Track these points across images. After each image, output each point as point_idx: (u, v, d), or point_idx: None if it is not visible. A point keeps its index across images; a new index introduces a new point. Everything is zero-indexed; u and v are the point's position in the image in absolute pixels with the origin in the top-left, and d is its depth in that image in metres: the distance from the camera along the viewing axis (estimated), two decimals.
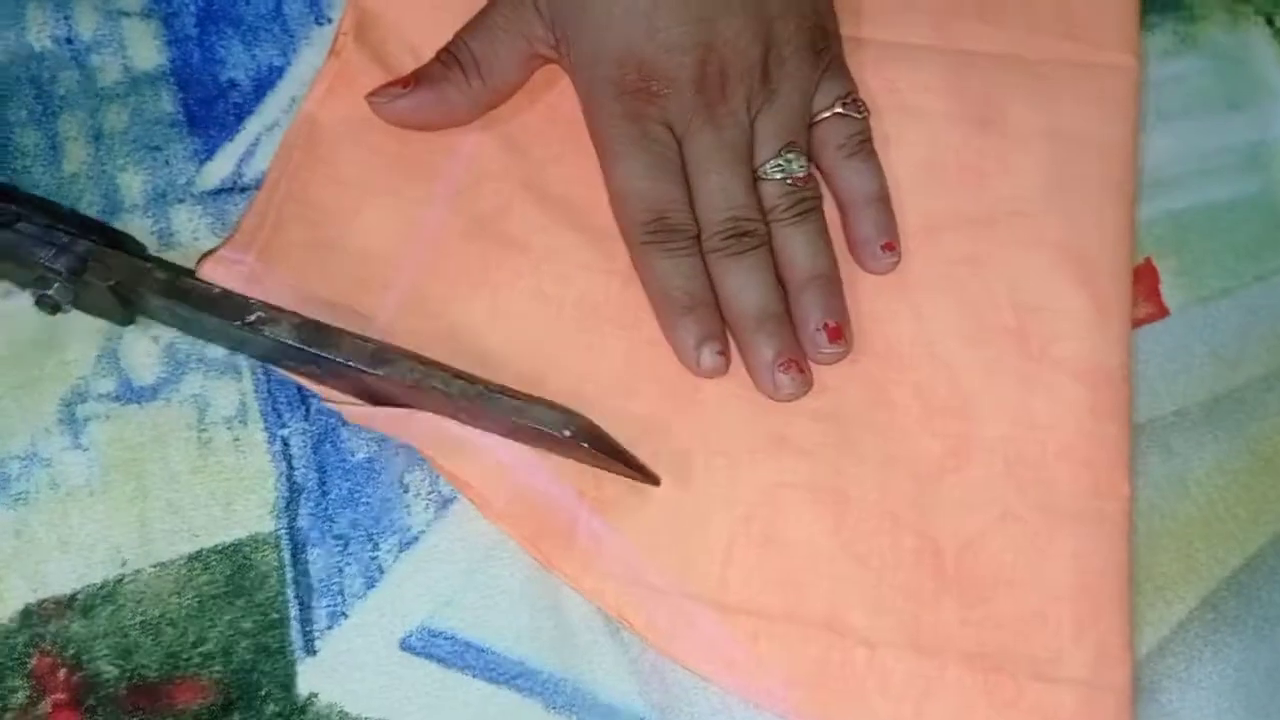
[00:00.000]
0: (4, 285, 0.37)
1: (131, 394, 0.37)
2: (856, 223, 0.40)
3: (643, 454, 0.37)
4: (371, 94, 0.39)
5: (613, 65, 0.38)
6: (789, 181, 0.39)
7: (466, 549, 0.36)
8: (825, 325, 0.38)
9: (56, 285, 0.34)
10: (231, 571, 0.35)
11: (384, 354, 0.35)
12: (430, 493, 0.37)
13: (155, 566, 0.35)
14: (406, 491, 0.37)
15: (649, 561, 0.36)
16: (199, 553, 0.35)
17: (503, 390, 0.35)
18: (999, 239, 0.41)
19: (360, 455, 0.37)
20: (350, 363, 0.35)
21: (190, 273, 0.36)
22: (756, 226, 0.39)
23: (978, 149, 0.42)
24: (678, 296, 0.38)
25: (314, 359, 0.35)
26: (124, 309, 0.36)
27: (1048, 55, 0.43)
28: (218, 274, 0.37)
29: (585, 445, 0.35)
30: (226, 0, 0.41)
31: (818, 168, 0.41)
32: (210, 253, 0.37)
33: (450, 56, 0.39)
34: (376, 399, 0.36)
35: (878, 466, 0.38)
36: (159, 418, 0.36)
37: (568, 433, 0.35)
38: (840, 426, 0.39)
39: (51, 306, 0.35)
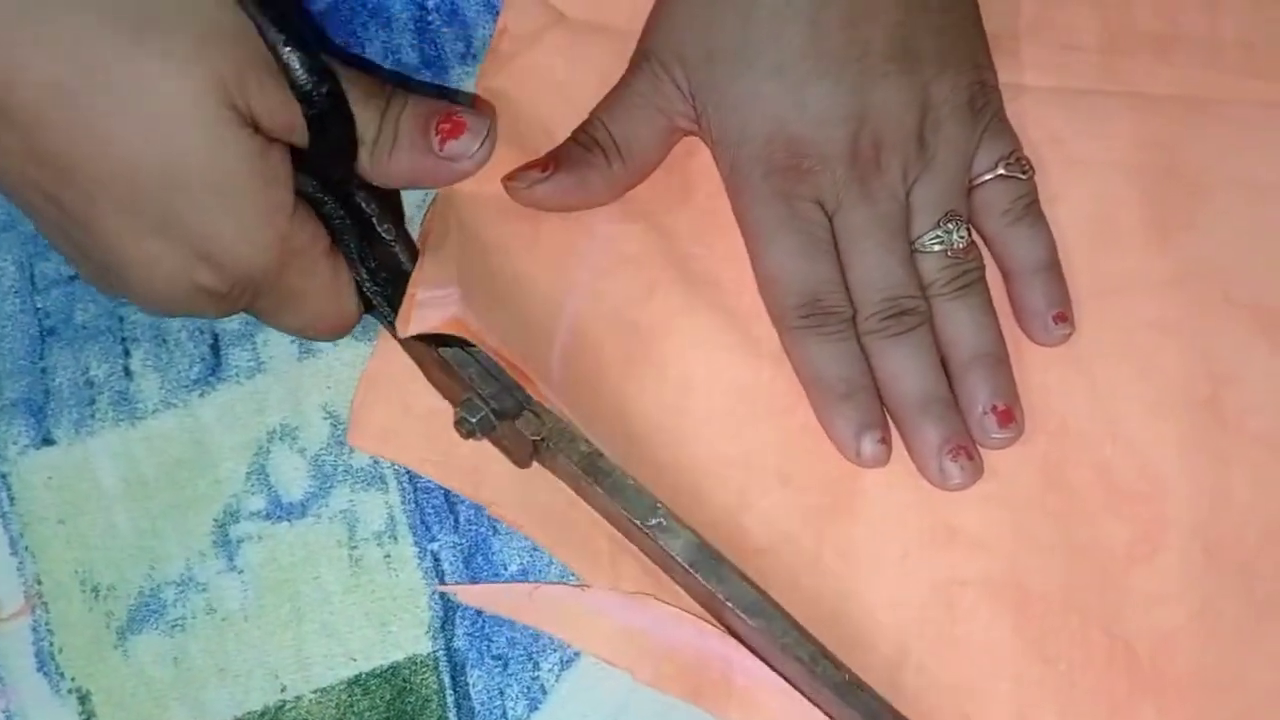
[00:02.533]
0: (154, 400, 0.37)
1: (281, 511, 0.36)
2: (1025, 293, 0.37)
3: (804, 550, 0.35)
4: (508, 178, 0.38)
5: (760, 143, 0.36)
6: (949, 253, 0.36)
7: None
8: (994, 408, 0.36)
9: (482, 416, 0.34)
10: (392, 696, 0.34)
11: (762, 607, 0.33)
12: None
13: (315, 692, 0.34)
14: None
15: None
16: (358, 677, 0.35)
17: (862, 685, 0.33)
18: (1185, 302, 0.38)
19: (513, 567, 0.36)
20: (729, 603, 0.33)
21: (599, 454, 0.35)
22: (916, 304, 0.36)
23: (1156, 202, 0.39)
24: (834, 383, 0.36)
25: (696, 583, 0.34)
26: (530, 459, 0.36)
27: (1231, 95, 0.39)
28: (427, 318, 0.35)
29: None
30: None
31: (980, 234, 0.38)
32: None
33: (589, 137, 0.38)
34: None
35: (1058, 557, 0.36)
36: (309, 536, 0.36)
37: None
38: (1014, 514, 0.36)
39: (468, 432, 0.34)
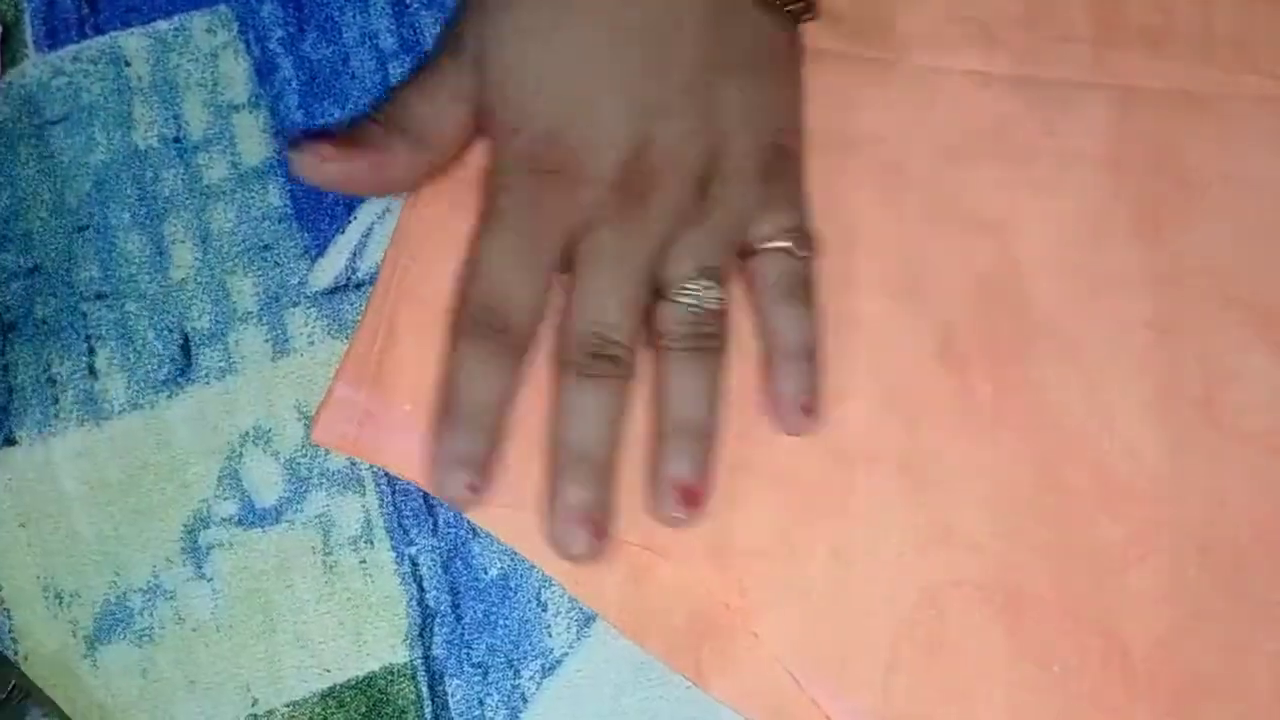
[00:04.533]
0: (120, 400, 0.35)
1: (254, 517, 0.35)
2: (776, 375, 0.35)
3: (796, 550, 0.35)
4: (292, 145, 0.34)
5: (530, 140, 0.33)
6: (693, 309, 0.34)
7: (614, 671, 0.34)
8: (680, 484, 0.33)
9: None
10: (368, 708, 0.33)
11: None
12: (570, 610, 0.34)
13: (288, 705, 0.33)
14: (545, 610, 0.34)
15: (804, 670, 0.34)
16: (332, 689, 0.33)
17: None
18: (1180, 299, 0.37)
19: (493, 572, 0.34)
20: None
21: None
22: (622, 354, 0.33)
23: (1151, 198, 0.38)
24: (458, 400, 0.33)
25: None
26: None
27: (1225, 90, 0.39)
28: (334, 426, 0.34)
29: None
30: (328, 73, 0.39)
31: (751, 304, 0.35)
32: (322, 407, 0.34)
33: (390, 120, 0.34)
34: None
35: (1053, 558, 0.35)
36: (283, 543, 0.34)
37: None
38: (1008, 514, 0.35)
39: None
